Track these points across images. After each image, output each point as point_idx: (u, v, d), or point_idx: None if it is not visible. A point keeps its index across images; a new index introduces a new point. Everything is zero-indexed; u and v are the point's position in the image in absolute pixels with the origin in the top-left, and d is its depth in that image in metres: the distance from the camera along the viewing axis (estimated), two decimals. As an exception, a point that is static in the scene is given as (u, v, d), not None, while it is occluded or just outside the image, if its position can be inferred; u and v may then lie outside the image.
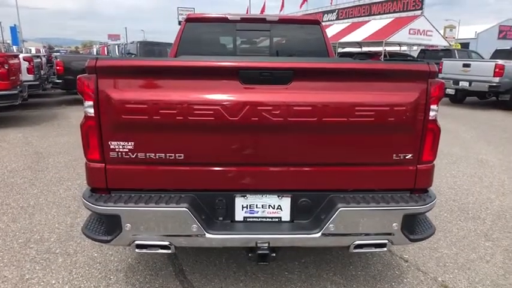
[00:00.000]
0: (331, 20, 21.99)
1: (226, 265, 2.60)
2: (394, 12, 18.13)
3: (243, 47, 3.98)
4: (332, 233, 1.85)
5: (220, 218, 1.93)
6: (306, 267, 2.60)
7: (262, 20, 3.85)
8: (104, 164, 1.85)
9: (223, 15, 3.83)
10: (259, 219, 1.96)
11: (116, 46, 16.17)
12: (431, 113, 1.86)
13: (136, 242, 1.86)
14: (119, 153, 1.82)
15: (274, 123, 1.77)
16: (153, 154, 1.82)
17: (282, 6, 27.47)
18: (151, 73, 1.78)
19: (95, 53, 26.84)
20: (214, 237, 1.84)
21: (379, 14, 19.04)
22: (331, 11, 22.59)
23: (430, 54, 15.09)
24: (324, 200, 1.93)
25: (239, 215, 1.95)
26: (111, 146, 1.81)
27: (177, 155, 1.82)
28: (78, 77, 1.82)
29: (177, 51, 3.81)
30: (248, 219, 1.96)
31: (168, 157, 1.82)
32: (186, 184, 1.88)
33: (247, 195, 1.92)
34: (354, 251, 1.93)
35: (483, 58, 14.42)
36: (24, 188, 4.07)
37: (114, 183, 1.87)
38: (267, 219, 1.96)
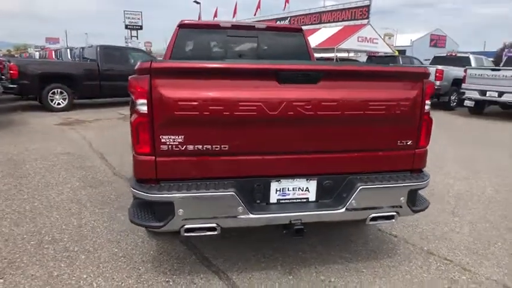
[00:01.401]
0: (283, 27, 22.84)
1: (245, 250, 2.84)
2: (343, 20, 19.41)
3: (233, 51, 4.25)
4: (354, 207, 2.20)
5: (258, 201, 2.20)
6: (315, 246, 2.93)
7: (251, 28, 4.16)
8: (154, 157, 2.03)
9: (215, 23, 4.09)
10: (290, 201, 2.26)
11: (68, 50, 15.40)
12: (426, 107, 2.29)
13: (186, 226, 2.07)
14: (169, 146, 2.02)
15: (306, 117, 2.08)
16: (201, 146, 2.05)
17: (235, 12, 27.98)
18: (200, 74, 2.01)
19: (37, 57, 25.31)
20: (256, 217, 2.11)
21: (329, 22, 20.24)
22: (284, 18, 23.50)
23: (377, 60, 16.34)
24: (344, 182, 2.28)
25: (273, 197, 2.23)
26: (162, 140, 2.01)
27: (222, 146, 2.06)
28: (130, 77, 2.00)
29: (171, 55, 4.00)
30: (281, 201, 2.25)
31: (214, 148, 2.06)
32: (229, 172, 2.13)
33: (281, 180, 2.21)
34: (370, 223, 2.31)
35: (422, 64, 15.91)
36: (12, 193, 3.97)
37: (164, 174, 2.07)
38: (297, 200, 2.27)
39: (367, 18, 18.27)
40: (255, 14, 26.13)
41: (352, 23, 18.78)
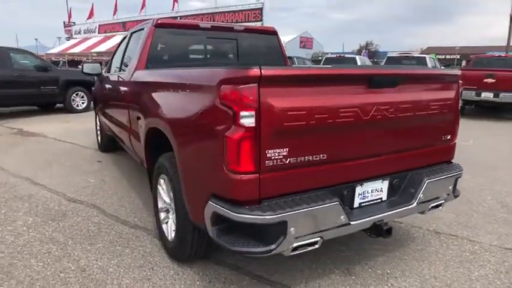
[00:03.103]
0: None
1: (289, 261, 2.73)
2: (237, 22, 19.88)
3: (213, 53, 4.01)
4: (422, 201, 2.37)
5: (347, 207, 2.17)
6: (347, 244, 3.02)
7: (230, 29, 3.99)
8: (257, 175, 1.82)
9: (194, 23, 3.79)
10: (369, 203, 2.29)
11: None
12: (460, 105, 2.60)
13: (294, 245, 1.92)
14: (274, 161, 1.84)
15: (389, 119, 2.15)
16: (303, 157, 1.92)
17: (115, 10, 25.86)
18: (307, 81, 1.88)
19: None
20: (355, 224, 2.09)
21: (222, 23, 20.45)
22: (174, 18, 22.73)
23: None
24: (406, 178, 2.42)
25: (356, 201, 2.23)
26: (268, 155, 1.82)
27: (321, 155, 1.97)
28: (230, 87, 1.74)
29: (148, 56, 3.56)
30: (362, 204, 2.26)
31: (314, 158, 1.95)
32: (327, 181, 2.05)
33: (364, 183, 2.23)
34: (428, 212, 2.51)
35: (312, 64, 17.50)
36: None
37: (267, 192, 1.87)
38: (373, 202, 2.31)
39: (261, 20, 19.17)
40: (140, 13, 24.62)
41: (246, 24, 19.39)
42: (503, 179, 4.84)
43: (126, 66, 4.08)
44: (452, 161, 2.75)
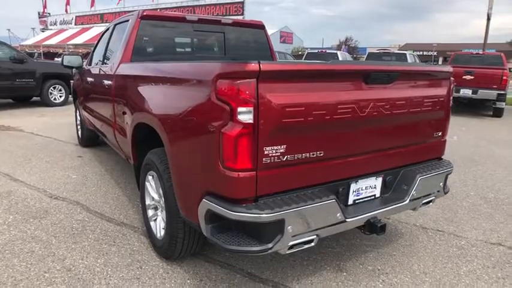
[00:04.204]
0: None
1: (280, 258, 2.72)
2: (218, 15, 19.62)
3: (200, 47, 3.92)
4: (415, 197, 2.38)
5: (342, 204, 2.16)
6: (336, 240, 3.03)
7: (218, 22, 3.91)
8: (255, 172, 1.78)
9: (181, 15, 3.69)
10: (363, 200, 2.29)
11: None
12: (451, 102, 2.63)
13: (291, 243, 1.89)
14: (271, 158, 1.80)
15: (385, 116, 2.14)
16: (300, 154, 1.89)
17: (93, 1, 25.02)
18: (306, 76, 1.84)
19: None
20: (351, 221, 2.07)
21: (208, 15, 20.17)
22: (154, 10, 22.26)
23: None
24: (398, 175, 2.43)
25: (351, 198, 2.22)
26: (265, 152, 1.78)
27: (318, 152, 1.95)
28: (227, 82, 1.68)
29: (133, 49, 3.44)
30: (356, 201, 2.25)
31: (311, 155, 1.93)
32: (322, 178, 2.02)
33: (358, 181, 2.22)
34: (419, 209, 2.53)
35: (293, 59, 17.53)
36: None
37: (264, 190, 1.83)
38: (367, 199, 2.31)
39: (242, 14, 18.99)
40: (117, 3, 23.95)
41: (233, 18, 19.20)
42: (484, 174, 4.98)
43: (110, 59, 3.94)
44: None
